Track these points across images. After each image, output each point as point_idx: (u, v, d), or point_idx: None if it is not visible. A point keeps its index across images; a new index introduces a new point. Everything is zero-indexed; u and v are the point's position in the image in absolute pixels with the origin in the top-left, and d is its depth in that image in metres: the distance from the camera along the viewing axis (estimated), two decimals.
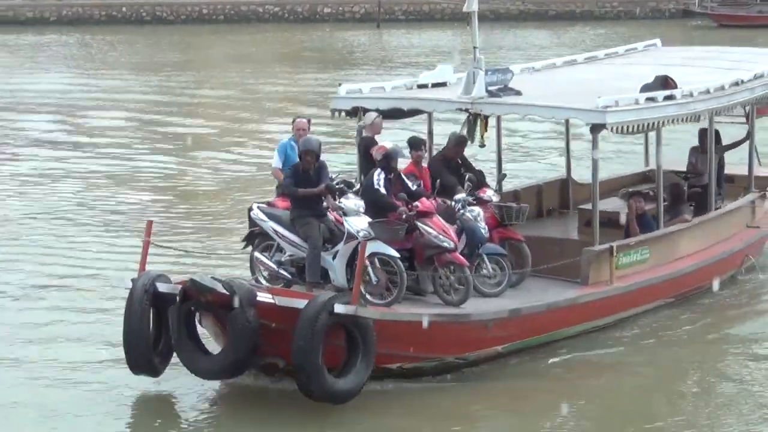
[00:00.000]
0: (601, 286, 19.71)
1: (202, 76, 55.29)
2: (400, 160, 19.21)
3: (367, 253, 17.60)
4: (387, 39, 65.24)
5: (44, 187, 31.46)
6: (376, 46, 63.15)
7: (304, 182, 18.27)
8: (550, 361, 18.98)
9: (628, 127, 19.72)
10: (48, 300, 22.18)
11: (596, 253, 19.71)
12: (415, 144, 19.79)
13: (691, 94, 20.72)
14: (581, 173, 25.09)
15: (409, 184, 18.91)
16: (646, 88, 20.59)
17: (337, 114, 21.05)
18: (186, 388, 17.82)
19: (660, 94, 20.36)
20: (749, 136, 23.63)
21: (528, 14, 70.15)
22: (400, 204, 18.37)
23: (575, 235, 21.61)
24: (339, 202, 18.49)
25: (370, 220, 18.06)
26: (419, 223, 18.24)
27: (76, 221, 27.83)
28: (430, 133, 21.67)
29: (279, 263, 18.41)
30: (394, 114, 21.16)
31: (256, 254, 18.84)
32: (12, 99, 48.75)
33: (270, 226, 18.43)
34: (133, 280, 17.74)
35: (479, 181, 20.40)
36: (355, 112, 20.62)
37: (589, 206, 21.93)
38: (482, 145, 20.76)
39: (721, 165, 23.55)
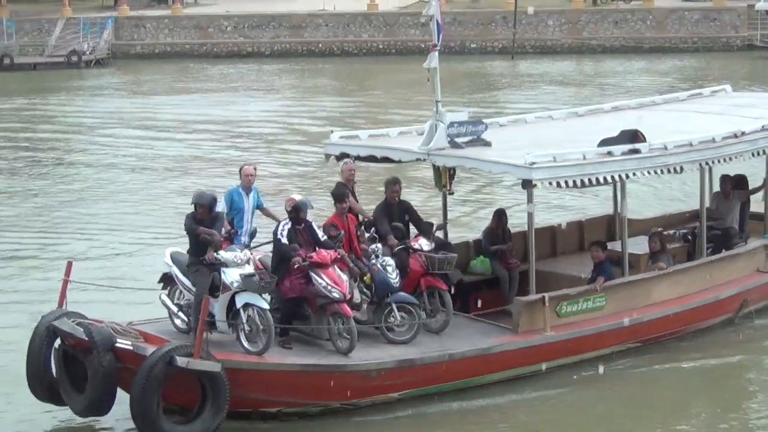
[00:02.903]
0: (531, 335, 16.74)
1: (381, 97, 54.23)
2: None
3: (240, 304, 15.32)
4: (520, 68, 63.01)
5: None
6: (511, 73, 61.19)
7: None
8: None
9: (566, 182, 16.35)
10: None
11: (525, 303, 16.26)
12: (338, 197, 17.06)
13: (665, 147, 17.26)
14: (638, 209, 22.30)
15: (319, 234, 16.22)
16: (605, 143, 17.14)
17: (333, 158, 18.66)
18: None
19: (619, 148, 16.90)
20: (766, 182, 20.37)
21: (627, 48, 67.22)
22: (300, 254, 15.73)
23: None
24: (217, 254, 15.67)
25: (245, 272, 15.40)
26: (312, 273, 15.69)
27: None
28: None
29: (180, 306, 16.03)
30: (372, 160, 18.22)
31: (162, 296, 16.38)
32: (237, 115, 47.41)
33: (173, 271, 16.14)
34: (43, 317, 15.68)
35: (423, 229, 17.66)
36: (342, 157, 18.41)
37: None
38: (451, 193, 17.73)
39: (744, 210, 19.97)
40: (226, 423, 15.14)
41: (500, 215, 19.13)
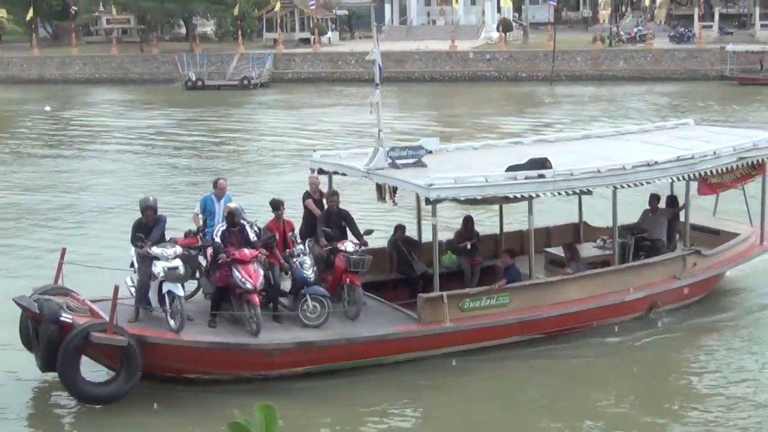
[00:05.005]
0: (430, 325, 15.61)
1: (449, 114, 56.26)
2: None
3: (164, 290, 14.66)
4: (556, 91, 66.18)
5: None
6: (550, 95, 64.34)
7: (144, 233, 15.13)
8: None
9: (468, 200, 15.15)
10: None
11: (426, 299, 14.96)
12: (274, 205, 16.11)
13: (572, 174, 15.60)
14: (596, 218, 20.36)
15: (251, 235, 15.11)
16: (512, 168, 15.55)
17: (316, 171, 17.41)
18: None
19: (524, 173, 15.32)
20: (685, 204, 18.46)
21: (633, 77, 70.81)
22: (226, 251, 14.96)
23: (541, 274, 16.56)
24: (150, 249, 14.65)
25: (169, 265, 14.59)
26: (233, 267, 14.83)
27: None
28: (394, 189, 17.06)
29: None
30: (337, 174, 16.96)
31: (126, 279, 15.43)
32: (363, 121, 49.47)
33: (133, 260, 15.48)
34: (34, 290, 14.92)
35: (355, 234, 16.71)
36: (321, 171, 17.83)
37: (552, 250, 17.47)
38: (395, 204, 16.68)
39: (672, 224, 18.11)
40: (156, 384, 14.80)
41: (467, 221, 18.29)
